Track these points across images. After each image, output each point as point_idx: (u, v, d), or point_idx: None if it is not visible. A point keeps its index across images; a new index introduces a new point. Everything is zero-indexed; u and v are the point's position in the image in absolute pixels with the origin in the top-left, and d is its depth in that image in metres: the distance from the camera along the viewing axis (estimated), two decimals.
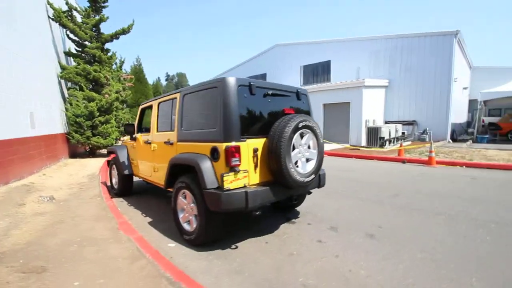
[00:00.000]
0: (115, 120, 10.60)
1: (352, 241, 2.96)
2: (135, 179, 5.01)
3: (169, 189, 3.49)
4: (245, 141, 2.65)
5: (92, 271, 2.34)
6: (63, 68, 9.58)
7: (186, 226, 3.04)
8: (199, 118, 3.03)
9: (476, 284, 2.12)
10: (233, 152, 2.53)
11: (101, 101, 9.64)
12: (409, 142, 13.41)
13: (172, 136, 3.36)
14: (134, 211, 4.17)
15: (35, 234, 3.15)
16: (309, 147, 3.08)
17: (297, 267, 2.45)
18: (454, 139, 14.24)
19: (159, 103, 3.85)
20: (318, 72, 20.12)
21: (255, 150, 2.75)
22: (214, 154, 2.66)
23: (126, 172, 4.77)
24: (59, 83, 9.50)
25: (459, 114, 17.27)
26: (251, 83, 2.80)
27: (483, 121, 16.34)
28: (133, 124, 4.47)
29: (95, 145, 9.70)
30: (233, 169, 2.55)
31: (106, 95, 10.28)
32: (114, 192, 5.17)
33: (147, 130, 4.74)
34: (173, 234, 3.24)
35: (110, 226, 3.37)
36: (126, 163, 4.83)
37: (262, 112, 2.91)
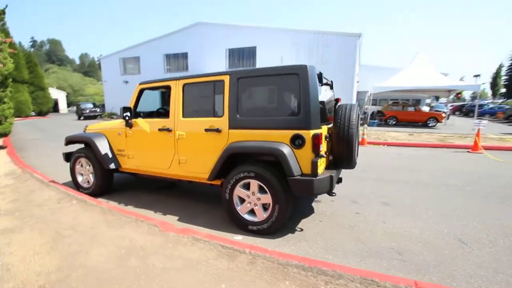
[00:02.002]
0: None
1: (372, 207, 3.63)
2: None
3: (212, 182, 3.20)
4: (321, 128, 2.77)
5: (202, 280, 2.05)
6: None
7: (248, 217, 2.94)
8: (266, 104, 2.90)
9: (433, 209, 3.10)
10: (320, 139, 2.62)
11: None
12: None
13: (218, 122, 3.05)
14: (147, 212, 3.56)
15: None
16: None
17: (369, 233, 2.86)
18: None
19: (184, 85, 3.33)
20: (243, 56, 20.45)
21: (326, 137, 2.92)
22: (295, 141, 2.67)
23: (112, 166, 3.91)
24: None
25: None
26: (320, 72, 2.89)
27: (366, 109, 20.74)
28: (130, 108, 3.66)
29: None
30: (319, 155, 2.65)
31: None
32: (87, 192, 4.14)
33: (150, 114, 4.03)
34: (224, 227, 3.07)
35: (149, 230, 2.83)
36: (110, 155, 3.94)
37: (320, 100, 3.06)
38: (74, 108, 31.43)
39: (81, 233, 2.82)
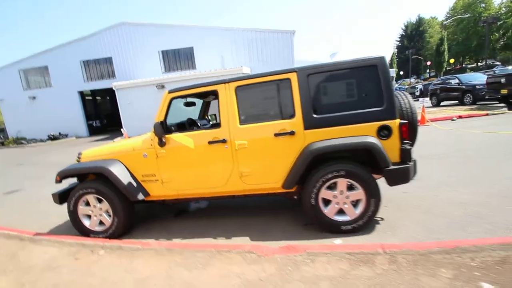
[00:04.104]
0: None
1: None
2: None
3: (287, 191, 2.93)
4: None
5: None
6: None
7: (338, 217, 2.82)
8: (344, 99, 2.79)
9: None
10: (407, 127, 2.70)
11: None
12: None
13: (290, 125, 2.80)
14: (204, 240, 3.02)
15: None
16: None
17: (436, 207, 3.11)
18: None
19: (237, 87, 2.91)
20: (180, 58, 19.33)
21: None
22: (382, 132, 2.68)
23: (140, 196, 3.17)
24: None
25: None
26: None
27: None
28: (162, 122, 3.00)
29: None
30: (406, 143, 2.73)
31: None
32: (104, 236, 3.26)
33: (182, 127, 3.41)
34: (303, 234, 2.92)
35: (246, 259, 2.41)
36: (135, 184, 3.18)
37: None
38: None
39: None
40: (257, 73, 2.91)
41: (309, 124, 2.77)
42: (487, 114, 9.28)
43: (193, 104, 3.91)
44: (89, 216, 3.34)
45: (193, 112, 6.01)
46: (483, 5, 42.48)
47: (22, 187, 6.65)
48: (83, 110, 20.63)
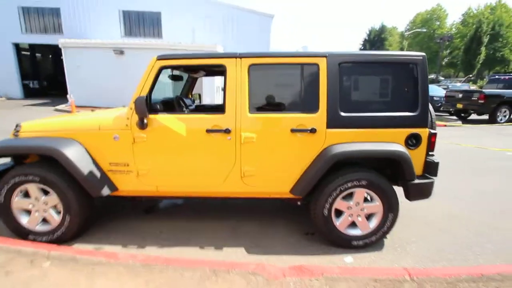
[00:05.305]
0: None
1: None
2: None
3: (296, 197, 2.48)
4: None
5: None
6: None
7: (351, 231, 2.50)
8: (376, 97, 2.39)
9: None
10: (435, 138, 2.44)
11: None
12: None
13: (311, 120, 2.32)
14: (187, 250, 2.43)
15: None
16: None
17: (440, 220, 3.01)
18: None
19: (251, 65, 2.29)
20: (145, 23, 17.22)
21: None
22: (410, 141, 2.38)
23: (106, 191, 2.42)
24: None
25: None
26: None
27: None
28: (145, 97, 2.25)
29: None
30: (431, 154, 2.48)
31: None
32: (48, 239, 2.45)
33: (169, 107, 2.69)
34: (306, 248, 2.56)
35: (251, 283, 1.92)
36: (98, 175, 2.41)
37: None
38: None
39: None
40: (278, 51, 2.34)
41: (333, 123, 2.33)
42: (445, 125, 10.04)
43: (180, 78, 3.17)
44: (28, 212, 2.47)
45: (169, 89, 5.14)
46: (438, 22, 46.78)
47: None
48: (17, 66, 17.22)
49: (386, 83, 2.43)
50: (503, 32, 34.69)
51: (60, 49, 13.63)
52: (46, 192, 2.43)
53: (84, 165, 2.33)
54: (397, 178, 2.57)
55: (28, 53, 21.00)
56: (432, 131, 2.41)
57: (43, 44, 17.60)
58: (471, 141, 7.42)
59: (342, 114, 2.32)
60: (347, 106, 2.33)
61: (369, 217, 2.50)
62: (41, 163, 2.48)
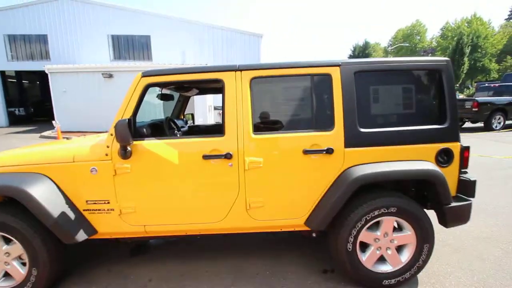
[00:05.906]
0: None
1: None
2: None
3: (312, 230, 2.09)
4: None
5: None
6: None
7: (380, 267, 2.10)
8: (399, 110, 2.09)
9: None
10: (468, 153, 2.13)
11: None
12: None
13: (326, 139, 1.98)
14: None
15: None
16: None
17: (469, 242, 2.64)
18: None
19: (253, 79, 1.97)
20: (134, 46, 17.19)
21: None
22: (440, 158, 2.06)
23: (81, 236, 1.98)
24: None
25: None
26: None
27: None
28: (130, 120, 1.89)
29: None
30: (465, 171, 2.15)
31: None
32: None
33: (157, 130, 2.32)
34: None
35: None
36: (72, 216, 1.98)
37: None
38: None
39: None
40: (283, 61, 2.03)
41: (352, 141, 1.99)
42: None
43: (171, 97, 2.82)
44: None
45: (159, 110, 4.78)
46: (419, 37, 48.78)
47: None
48: (2, 93, 16.74)
49: (409, 92, 2.14)
50: (481, 43, 36.24)
51: (46, 75, 13.30)
52: (8, 241, 1.98)
53: (53, 207, 1.90)
54: (425, 201, 2.23)
55: (15, 80, 20.60)
56: (464, 145, 2.10)
57: (30, 71, 17.30)
58: (472, 150, 7.23)
59: (362, 130, 1.99)
60: (366, 121, 2.01)
61: (399, 249, 2.12)
62: (4, 204, 2.04)
